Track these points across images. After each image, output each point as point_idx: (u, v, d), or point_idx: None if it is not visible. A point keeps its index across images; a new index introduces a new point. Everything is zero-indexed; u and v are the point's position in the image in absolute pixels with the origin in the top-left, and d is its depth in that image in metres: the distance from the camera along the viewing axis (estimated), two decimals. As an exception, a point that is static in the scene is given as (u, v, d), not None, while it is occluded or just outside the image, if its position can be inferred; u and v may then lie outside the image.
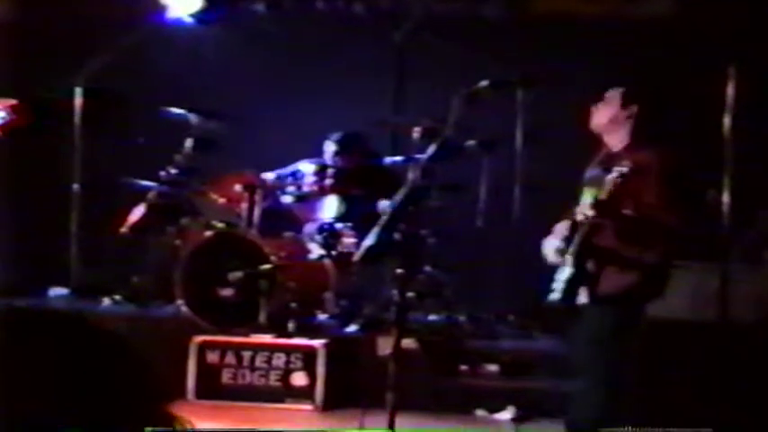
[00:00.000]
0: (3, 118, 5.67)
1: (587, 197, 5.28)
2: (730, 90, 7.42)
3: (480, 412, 6.95)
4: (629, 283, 5.21)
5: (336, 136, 8.05)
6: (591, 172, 5.47)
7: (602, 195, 5.20)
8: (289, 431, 6.51)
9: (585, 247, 5.22)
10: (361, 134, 8.14)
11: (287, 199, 7.99)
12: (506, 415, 6.93)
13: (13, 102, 5.74)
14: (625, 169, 5.16)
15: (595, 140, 5.64)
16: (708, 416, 6.01)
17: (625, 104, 5.46)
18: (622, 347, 5.28)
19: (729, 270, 6.74)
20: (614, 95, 5.51)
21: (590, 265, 5.23)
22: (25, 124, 5.76)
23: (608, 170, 5.21)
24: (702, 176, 7.61)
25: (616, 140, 5.47)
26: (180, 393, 6.95)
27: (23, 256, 8.77)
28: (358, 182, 7.95)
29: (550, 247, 5.38)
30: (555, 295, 5.32)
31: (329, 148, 8.05)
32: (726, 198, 7.31)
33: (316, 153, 8.11)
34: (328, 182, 7.92)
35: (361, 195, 7.89)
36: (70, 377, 1.34)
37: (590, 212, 5.19)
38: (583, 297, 5.26)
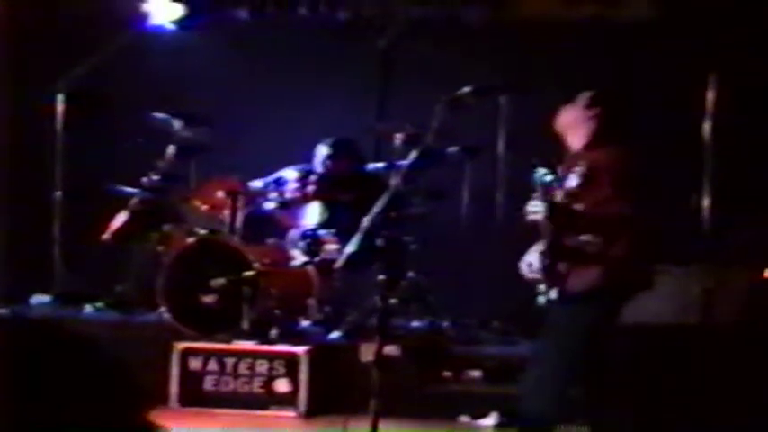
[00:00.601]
0: None
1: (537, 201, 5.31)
2: (711, 95, 7.46)
3: (464, 418, 6.95)
4: (593, 279, 5.22)
5: (330, 140, 8.06)
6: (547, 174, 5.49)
7: (559, 197, 5.24)
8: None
9: (553, 247, 5.25)
10: (353, 140, 8.15)
11: (270, 205, 7.99)
12: (490, 421, 6.93)
13: None
14: (580, 170, 5.23)
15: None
16: (692, 419, 6.03)
17: (589, 106, 5.51)
18: (591, 344, 5.30)
19: (711, 273, 6.76)
20: (582, 97, 5.56)
21: (561, 266, 5.26)
22: None
23: (568, 171, 5.28)
24: (684, 180, 7.66)
25: (576, 141, 5.52)
26: (163, 400, 6.93)
27: (6, 264, 8.74)
28: (342, 188, 7.95)
29: (525, 263, 5.42)
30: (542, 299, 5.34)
31: (321, 151, 8.05)
32: (707, 202, 7.34)
33: (299, 159, 8.11)
34: (311, 188, 7.92)
35: (344, 202, 7.89)
36: (48, 385, 1.34)
37: (543, 214, 5.24)
38: (553, 295, 5.29)
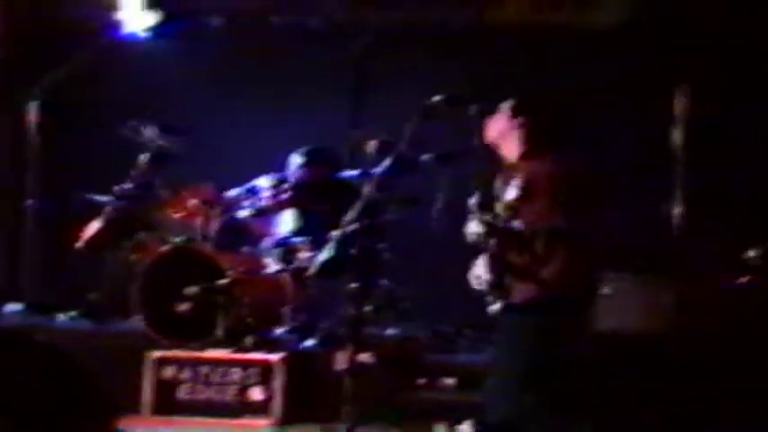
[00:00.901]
0: None
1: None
2: (681, 103, 7.51)
3: (439, 426, 6.96)
4: (530, 292, 5.29)
5: (303, 149, 8.07)
6: (496, 187, 5.57)
7: (500, 210, 5.32)
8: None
9: (496, 262, 5.31)
10: (329, 148, 8.15)
11: (244, 214, 7.99)
12: (465, 429, 6.94)
13: None
14: (518, 182, 5.29)
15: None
16: (658, 428, 6.07)
17: (514, 116, 5.54)
18: (540, 353, 5.34)
19: (681, 281, 6.80)
20: (504, 108, 5.59)
21: (506, 279, 5.33)
22: None
23: (506, 183, 5.36)
24: (654, 189, 7.71)
25: (509, 152, 5.56)
26: (136, 409, 6.92)
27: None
28: (316, 196, 7.96)
29: (474, 276, 5.49)
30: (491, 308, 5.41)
31: (295, 159, 8.06)
32: (677, 210, 7.39)
33: (274, 168, 8.12)
34: (285, 196, 7.93)
35: (318, 210, 7.89)
36: (16, 394, 1.35)
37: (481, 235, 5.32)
38: (498, 306, 5.38)
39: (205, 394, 7.08)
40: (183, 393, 7.09)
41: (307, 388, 7.10)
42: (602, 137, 8.39)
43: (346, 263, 5.78)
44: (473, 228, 5.41)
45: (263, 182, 8.01)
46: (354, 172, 8.05)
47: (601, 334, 6.45)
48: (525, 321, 5.34)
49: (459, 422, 6.98)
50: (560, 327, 5.38)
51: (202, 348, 7.23)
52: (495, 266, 5.34)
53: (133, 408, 6.87)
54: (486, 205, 5.47)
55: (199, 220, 7.80)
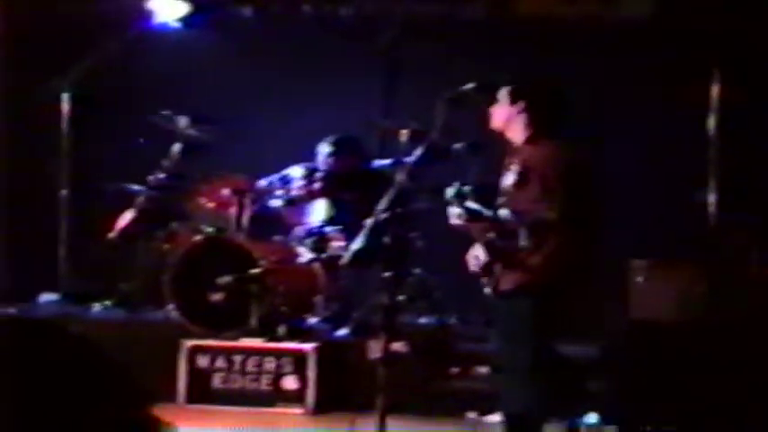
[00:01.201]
0: None
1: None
2: (715, 91, 7.46)
3: (471, 414, 6.97)
4: (517, 279, 5.36)
5: (331, 138, 8.08)
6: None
7: (501, 195, 5.49)
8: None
9: (488, 247, 5.42)
10: (356, 138, 8.15)
11: (276, 203, 8.00)
12: (497, 417, 6.94)
13: None
14: (516, 168, 5.41)
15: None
16: (695, 416, 6.05)
17: (513, 101, 5.57)
18: (533, 340, 5.38)
19: (715, 271, 6.77)
20: (504, 94, 5.61)
21: (496, 268, 5.41)
22: None
23: (507, 168, 5.44)
24: (689, 177, 7.68)
25: (515, 136, 5.63)
26: (170, 398, 6.96)
27: (13, 263, 8.77)
28: (348, 185, 7.96)
29: (472, 256, 5.57)
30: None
31: (323, 149, 8.06)
32: (711, 198, 7.35)
33: (304, 157, 8.13)
34: (317, 186, 7.94)
35: (350, 199, 7.90)
36: (53, 385, 1.36)
37: (463, 218, 5.44)
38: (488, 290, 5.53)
39: (239, 383, 7.11)
40: (216, 382, 7.13)
41: (340, 377, 7.12)
42: (636, 127, 8.38)
43: (379, 252, 5.78)
44: (453, 211, 5.52)
45: (295, 171, 8.02)
46: (386, 161, 8.06)
47: (634, 322, 6.44)
48: (513, 307, 5.43)
49: (491, 411, 6.99)
50: (547, 313, 5.43)
51: (236, 338, 7.26)
52: (491, 251, 5.41)
53: (168, 397, 6.91)
54: (464, 195, 5.56)
55: (231, 210, 7.81)
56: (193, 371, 7.13)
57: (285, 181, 8.00)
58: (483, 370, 7.30)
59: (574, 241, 5.33)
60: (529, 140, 5.55)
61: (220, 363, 7.15)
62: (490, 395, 7.05)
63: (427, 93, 5.90)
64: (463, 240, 8.18)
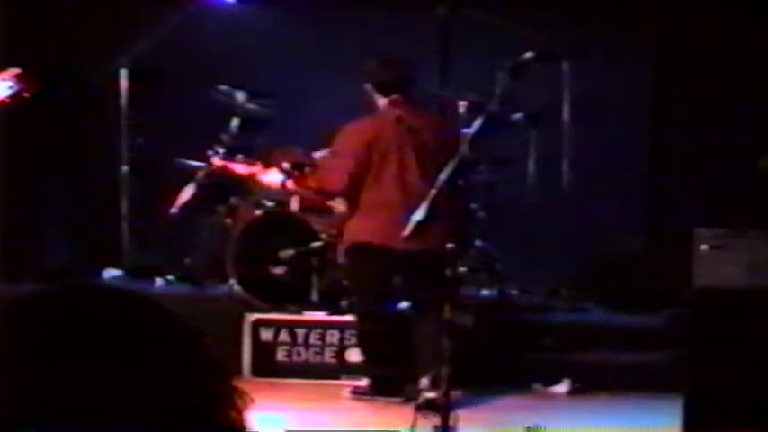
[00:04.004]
0: (11, 87, 5.70)
1: None
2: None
3: (536, 386, 6.95)
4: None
5: None
6: None
7: None
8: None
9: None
10: None
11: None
12: (562, 388, 6.92)
13: (18, 70, 5.76)
14: None
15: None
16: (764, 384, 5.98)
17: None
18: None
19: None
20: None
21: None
22: (32, 93, 5.80)
23: None
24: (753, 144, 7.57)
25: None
26: (235, 371, 6.99)
27: (77, 239, 8.85)
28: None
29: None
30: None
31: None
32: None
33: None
34: (376, 158, 7.91)
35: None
36: (139, 355, 1.35)
37: None
38: None
39: (303, 356, 7.13)
40: (281, 355, 7.15)
41: (403, 350, 7.10)
42: (700, 95, 8.27)
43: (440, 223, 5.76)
44: None
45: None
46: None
47: (700, 290, 6.37)
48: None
49: (556, 381, 6.97)
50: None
51: (299, 311, 7.27)
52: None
53: (233, 371, 6.93)
54: None
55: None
56: (257, 344, 7.16)
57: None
58: (547, 341, 7.27)
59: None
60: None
61: (284, 336, 7.17)
62: (555, 366, 7.04)
63: (486, 63, 5.86)
64: (524, 212, 8.17)
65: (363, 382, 6.80)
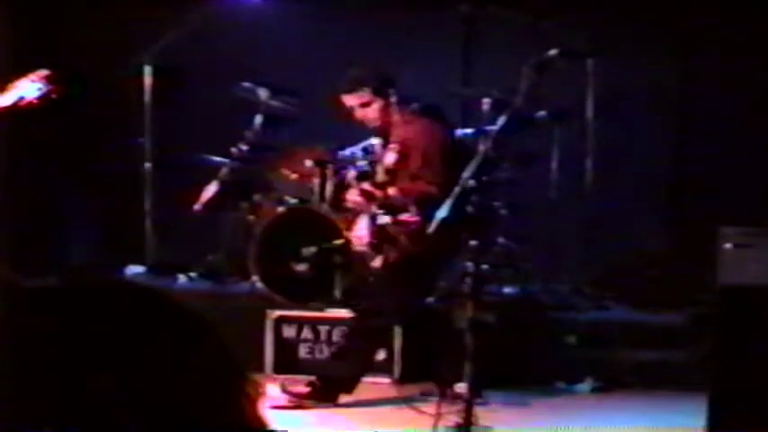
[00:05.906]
0: (40, 89, 5.72)
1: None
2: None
3: (559, 383, 6.93)
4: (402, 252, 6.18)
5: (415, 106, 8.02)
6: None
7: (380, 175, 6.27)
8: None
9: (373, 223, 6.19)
10: (438, 106, 8.09)
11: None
12: (585, 386, 6.90)
13: (47, 72, 5.79)
14: (395, 146, 6.04)
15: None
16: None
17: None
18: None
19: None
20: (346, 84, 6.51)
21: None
22: (60, 94, 5.83)
23: (385, 148, 5.80)
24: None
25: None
26: (257, 368, 7.01)
27: (100, 236, 8.88)
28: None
29: (355, 236, 6.34)
30: None
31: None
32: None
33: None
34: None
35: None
36: (157, 353, 1.35)
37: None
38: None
39: (325, 353, 7.13)
40: (303, 352, 7.16)
41: (426, 346, 7.10)
42: (725, 91, 8.23)
43: (463, 221, 5.76)
44: (351, 197, 6.30)
45: (376, 140, 7.98)
46: (469, 130, 8.00)
47: (724, 288, 6.33)
48: (398, 279, 6.26)
49: (579, 379, 6.95)
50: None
51: (321, 308, 7.27)
52: (372, 229, 6.10)
53: (255, 367, 6.95)
54: (366, 175, 6.33)
55: (314, 181, 7.81)
56: (279, 341, 7.17)
57: (367, 151, 7.98)
58: (570, 339, 7.25)
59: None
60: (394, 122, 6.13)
61: (306, 333, 7.17)
62: (578, 364, 7.02)
63: (510, 60, 5.85)
64: (547, 209, 8.15)
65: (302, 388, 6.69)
